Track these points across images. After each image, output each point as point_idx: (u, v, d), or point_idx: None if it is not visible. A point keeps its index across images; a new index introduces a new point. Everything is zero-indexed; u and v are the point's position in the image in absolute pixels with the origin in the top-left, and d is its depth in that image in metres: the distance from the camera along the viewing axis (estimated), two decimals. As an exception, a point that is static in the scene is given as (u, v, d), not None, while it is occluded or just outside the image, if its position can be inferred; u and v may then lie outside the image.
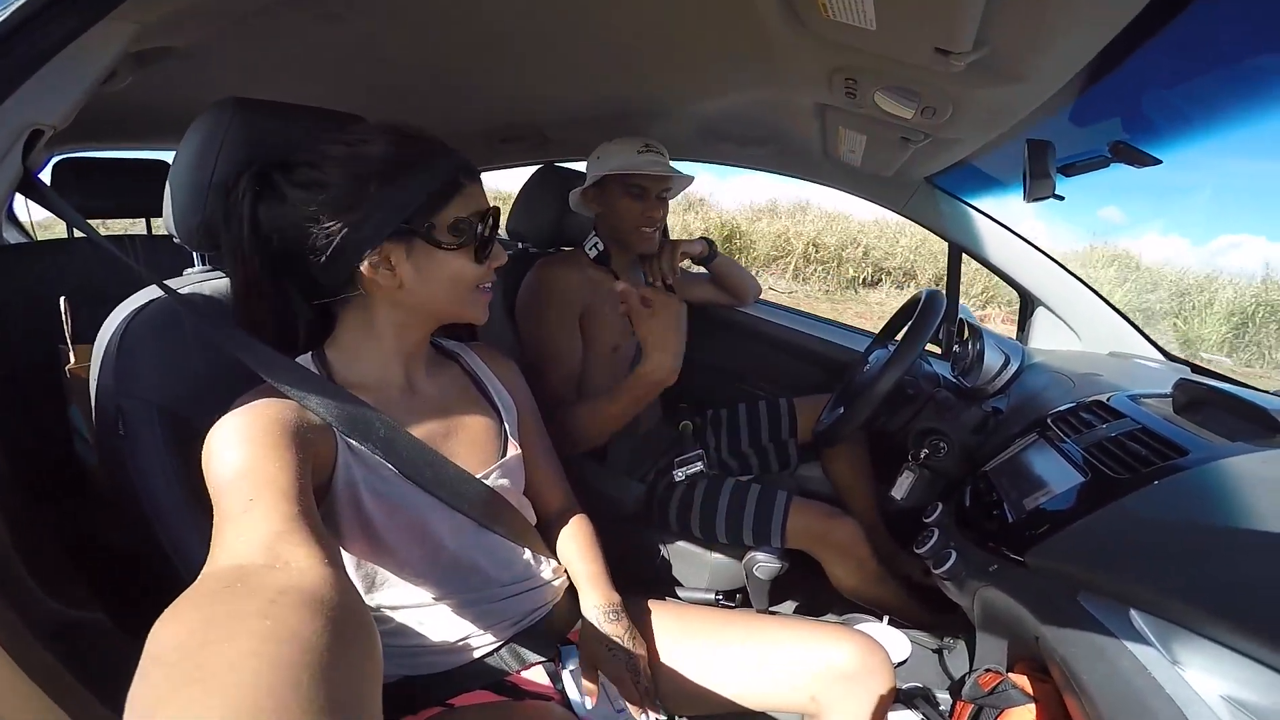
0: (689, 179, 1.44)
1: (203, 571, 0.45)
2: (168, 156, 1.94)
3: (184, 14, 0.70)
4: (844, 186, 1.73)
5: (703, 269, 1.77)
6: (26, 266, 1.48)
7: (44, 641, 0.57)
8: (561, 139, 1.81)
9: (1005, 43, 0.72)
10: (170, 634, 0.37)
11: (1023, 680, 0.83)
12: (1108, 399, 1.02)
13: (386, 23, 1.03)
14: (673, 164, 1.41)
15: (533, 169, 1.69)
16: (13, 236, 2.51)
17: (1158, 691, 0.62)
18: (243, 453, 0.57)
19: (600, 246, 1.44)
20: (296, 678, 0.34)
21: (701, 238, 1.66)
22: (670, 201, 1.50)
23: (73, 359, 1.08)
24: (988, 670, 0.86)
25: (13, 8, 0.56)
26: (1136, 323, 1.53)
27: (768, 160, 1.79)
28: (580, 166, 1.57)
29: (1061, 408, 1.09)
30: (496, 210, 0.79)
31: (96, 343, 0.75)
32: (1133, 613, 0.68)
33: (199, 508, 0.70)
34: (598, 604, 0.87)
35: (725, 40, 1.04)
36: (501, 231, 1.02)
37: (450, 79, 1.34)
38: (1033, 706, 0.80)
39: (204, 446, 0.60)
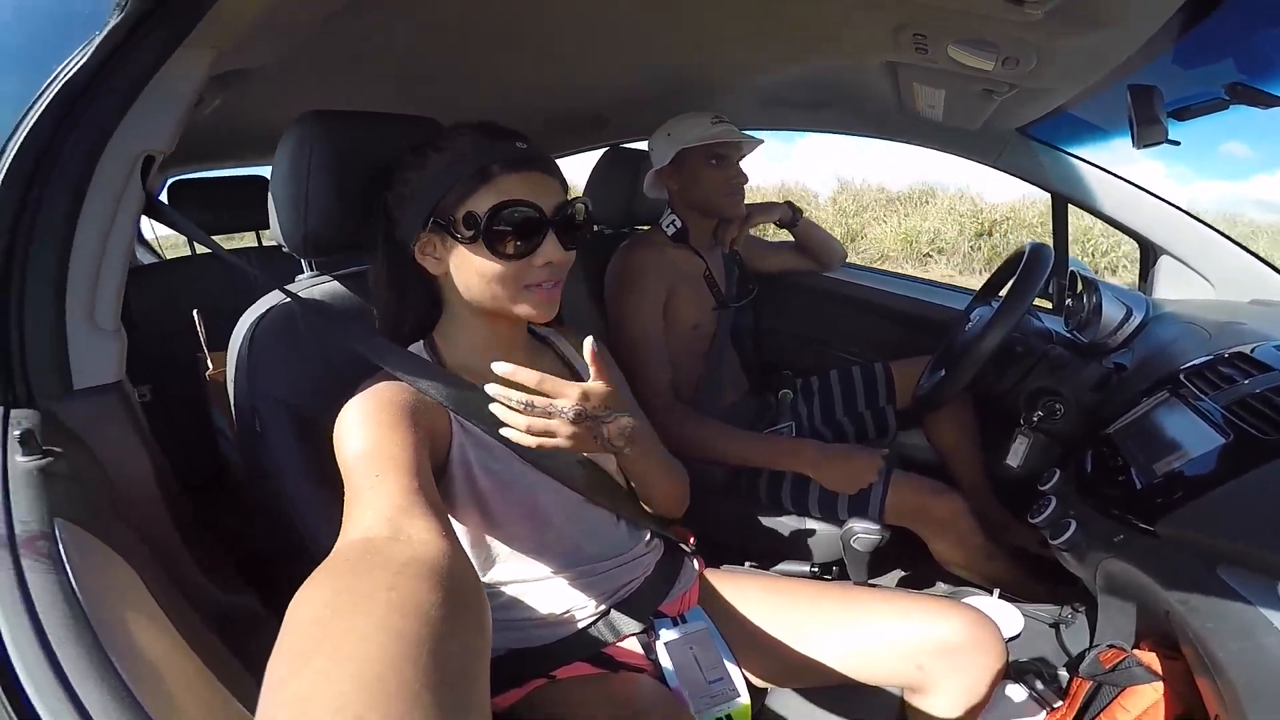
0: (759, 142, 1.44)
1: (336, 544, 0.50)
2: (265, 171, 2.12)
3: (252, 37, 0.74)
4: (927, 143, 1.64)
5: (787, 235, 1.73)
6: (160, 283, 1.66)
7: (210, 626, 0.64)
8: (622, 121, 1.81)
9: None
10: (305, 606, 0.41)
11: (1149, 658, 0.77)
12: (1251, 350, 0.93)
13: (437, 31, 1.07)
14: None
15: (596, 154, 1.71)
16: (144, 257, 2.79)
17: None
18: (367, 433, 0.63)
19: (678, 224, 1.44)
20: (416, 652, 0.36)
21: (786, 202, 1.63)
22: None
23: (210, 365, 1.20)
24: (1110, 646, 0.81)
25: (94, 45, 0.61)
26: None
27: (839, 122, 1.73)
28: (640, 146, 1.58)
29: (1196, 362, 0.99)
30: (527, 204, 0.71)
31: (229, 349, 0.83)
32: None
33: (330, 494, 0.75)
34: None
35: (781, 6, 1.01)
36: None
37: (506, 77, 1.37)
38: (1160, 685, 0.75)
39: (334, 430, 0.66)
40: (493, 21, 1.08)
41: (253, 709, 0.35)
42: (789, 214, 1.62)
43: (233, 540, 1.01)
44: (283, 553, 0.80)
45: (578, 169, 1.82)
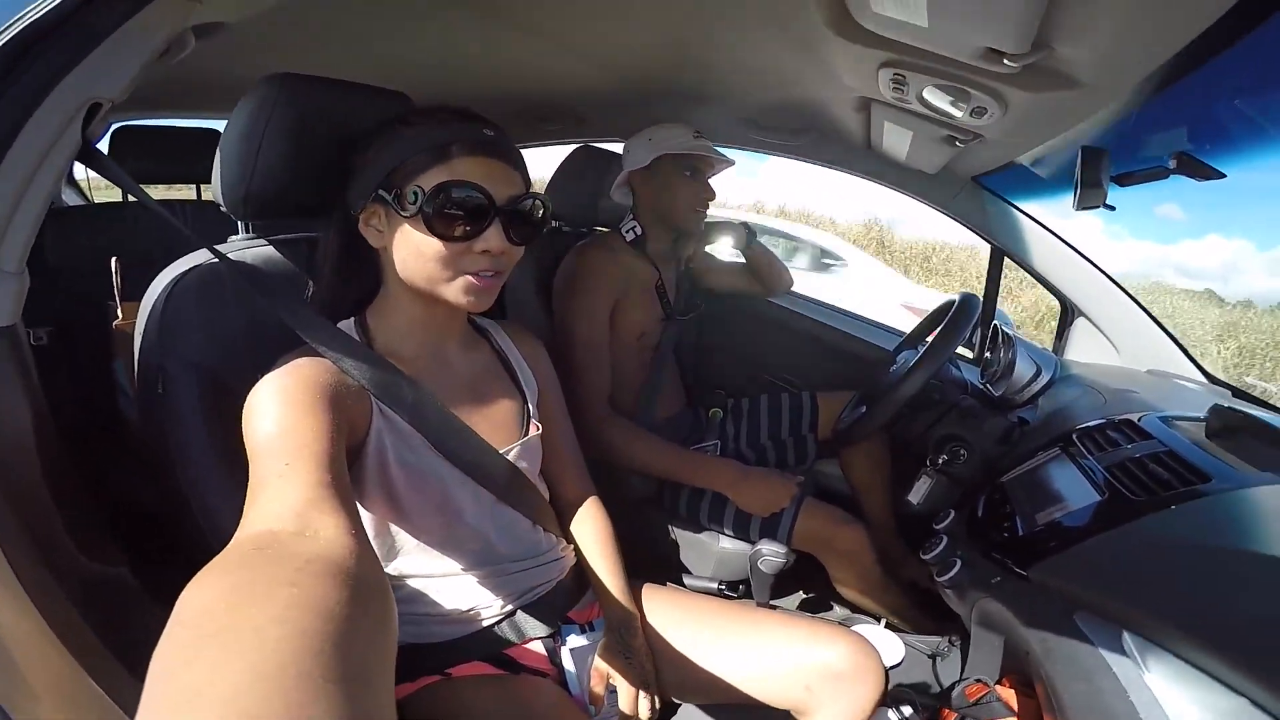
0: (730, 162, 1.47)
1: (236, 534, 0.47)
2: (220, 126, 2.03)
3: None
4: (886, 182, 1.70)
5: (738, 256, 1.76)
6: (83, 228, 1.57)
7: (72, 600, 0.59)
8: (599, 119, 1.81)
9: (1067, 48, 0.69)
10: (199, 597, 0.38)
11: (1009, 694, 0.82)
12: (1139, 419, 0.99)
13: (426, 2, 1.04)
14: None
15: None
16: (71, 199, 2.64)
17: (1132, 716, 0.61)
18: (281, 414, 0.60)
19: (638, 230, 1.45)
20: (319, 646, 0.35)
21: (741, 222, 1.66)
22: None
23: (120, 315, 1.14)
24: (976, 680, 0.86)
25: None
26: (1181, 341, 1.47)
27: (806, 150, 1.77)
28: (614, 148, 1.58)
29: (1089, 424, 1.06)
30: (475, 187, 0.70)
31: (143, 302, 0.78)
32: (1125, 635, 0.67)
33: (230, 471, 0.73)
34: (622, 620, 0.90)
35: (772, 31, 1.03)
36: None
37: (490, 57, 1.36)
38: (1013, 720, 0.80)
39: (245, 406, 0.62)
40: (478, 6, 1.06)
41: (109, 688, 0.33)
42: (744, 235, 1.66)
43: (114, 502, 0.96)
44: (169, 523, 0.76)
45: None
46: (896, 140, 1.34)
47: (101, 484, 0.99)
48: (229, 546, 0.45)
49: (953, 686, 0.87)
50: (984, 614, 0.93)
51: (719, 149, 1.44)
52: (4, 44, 0.58)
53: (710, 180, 1.47)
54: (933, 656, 1.24)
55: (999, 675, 0.89)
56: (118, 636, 0.57)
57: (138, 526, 0.87)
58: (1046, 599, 0.80)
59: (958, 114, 0.98)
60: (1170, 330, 1.50)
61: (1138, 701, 0.62)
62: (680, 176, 1.41)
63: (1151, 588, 0.70)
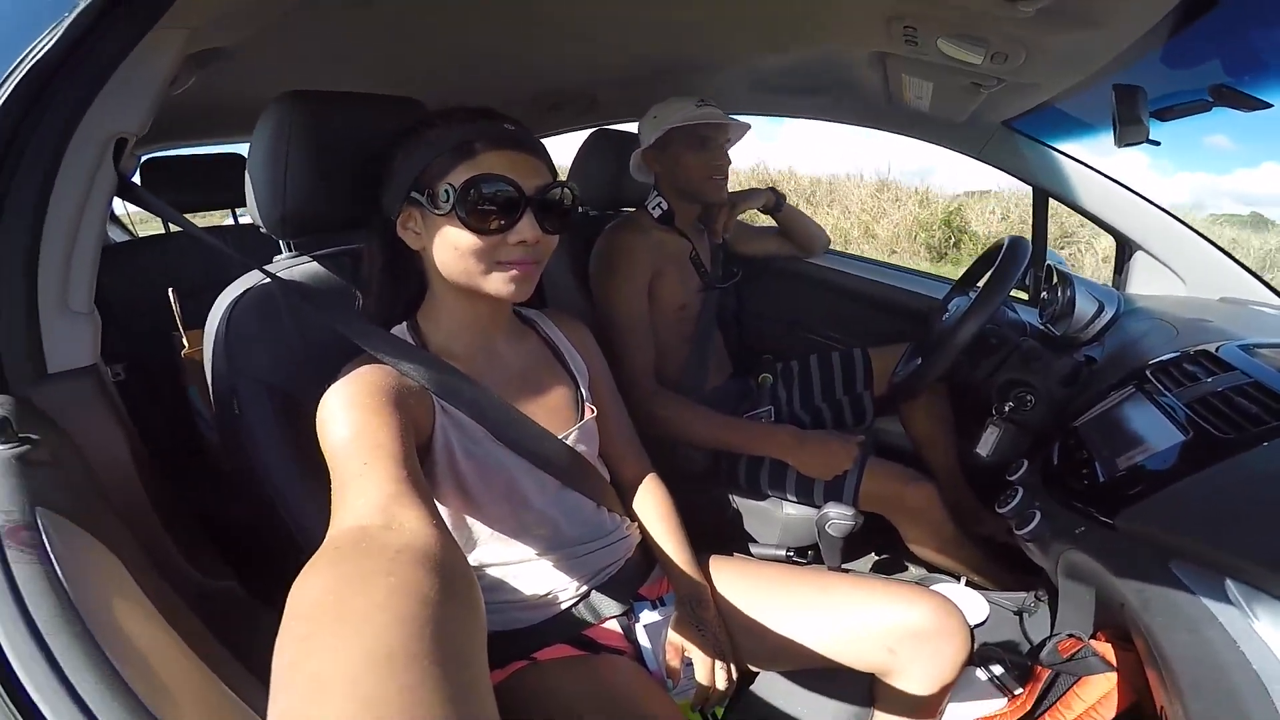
0: (746, 126, 1.44)
1: (329, 533, 0.50)
2: (239, 148, 2.06)
3: (227, 16, 0.73)
4: (913, 133, 1.65)
5: (770, 220, 1.73)
6: (134, 262, 1.62)
7: (194, 611, 0.64)
8: (611, 101, 1.79)
9: None
10: (308, 592, 0.41)
11: (1105, 648, 0.80)
12: (1216, 349, 0.95)
13: (421, 4, 1.04)
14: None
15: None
16: (116, 235, 2.73)
17: (1244, 667, 0.59)
18: (352, 419, 0.62)
19: (664, 205, 1.44)
20: (420, 630, 0.37)
21: (769, 188, 1.63)
22: None
23: (186, 344, 1.18)
24: (1069, 636, 0.84)
25: (64, 26, 0.59)
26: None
27: (826, 110, 1.73)
28: (630, 128, 1.56)
29: (1163, 358, 1.02)
30: (504, 179, 0.72)
31: (206, 328, 0.81)
32: (1229, 582, 0.65)
33: (310, 476, 0.76)
34: (692, 593, 0.91)
35: None
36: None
37: (493, 52, 1.34)
38: (1113, 676, 0.77)
39: (317, 416, 0.65)
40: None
41: (239, 691, 0.35)
42: (773, 200, 1.63)
43: (210, 520, 1.01)
44: (263, 533, 0.80)
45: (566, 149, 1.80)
46: (918, 92, 1.30)
47: (195, 503, 1.04)
48: (325, 543, 0.47)
49: (1043, 643, 0.85)
50: (1071, 566, 0.91)
51: (737, 116, 1.41)
52: (16, 87, 0.59)
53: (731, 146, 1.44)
54: (1019, 613, 1.22)
55: (1093, 629, 0.87)
56: (238, 644, 0.60)
57: (233, 540, 0.91)
58: (1138, 548, 0.78)
59: (977, 61, 0.94)
60: (1236, 256, 1.42)
61: (1249, 652, 0.60)
62: (690, 148, 1.39)
63: (1254, 531, 0.67)
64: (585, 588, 0.88)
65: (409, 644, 0.36)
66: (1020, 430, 1.20)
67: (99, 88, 0.63)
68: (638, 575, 0.94)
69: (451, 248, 0.74)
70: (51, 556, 0.48)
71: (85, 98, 0.63)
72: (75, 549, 0.52)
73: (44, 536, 0.49)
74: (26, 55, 0.59)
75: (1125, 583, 0.77)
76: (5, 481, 0.53)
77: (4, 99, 0.59)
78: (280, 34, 0.93)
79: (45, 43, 0.59)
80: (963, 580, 1.33)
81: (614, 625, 0.89)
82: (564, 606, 0.87)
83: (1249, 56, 0.93)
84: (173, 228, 1.89)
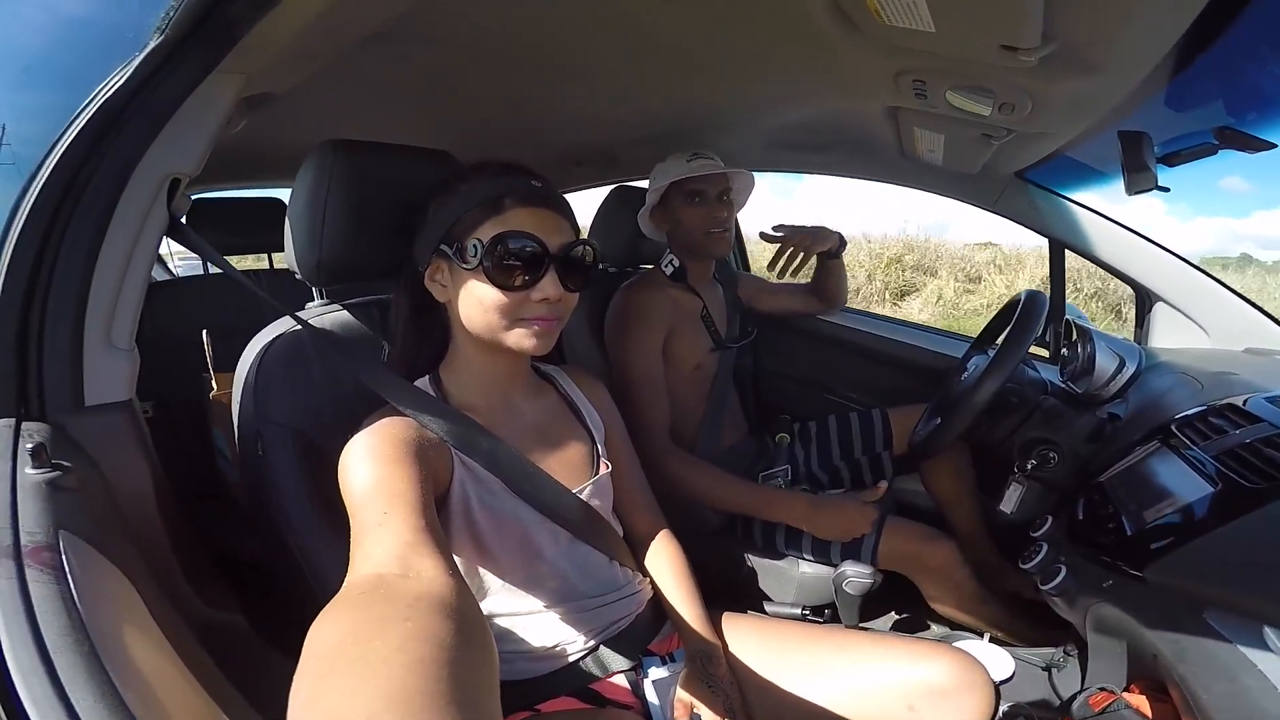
0: (750, 177, 1.46)
1: (348, 579, 0.52)
2: (279, 193, 2.14)
3: (281, 63, 0.77)
4: (927, 186, 1.67)
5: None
6: (173, 300, 1.69)
7: (199, 641, 0.64)
8: (630, 158, 1.86)
9: (1076, 34, 0.69)
10: (327, 633, 0.43)
11: (1140, 700, 0.77)
12: (1243, 402, 0.93)
13: (455, 59, 1.10)
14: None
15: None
16: (157, 273, 2.84)
17: None
18: (373, 468, 0.64)
19: (676, 263, 1.46)
20: (436, 672, 0.38)
21: (836, 231, 1.61)
22: None
23: (215, 387, 1.22)
24: (1100, 689, 0.80)
25: (132, 66, 0.63)
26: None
27: (839, 165, 1.76)
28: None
29: (1188, 412, 1.00)
30: (530, 236, 0.74)
31: (237, 372, 0.84)
32: (1267, 630, 0.62)
33: (327, 522, 0.78)
34: (702, 649, 0.88)
35: (784, 52, 1.04)
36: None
37: (521, 107, 1.42)
38: (1148, 727, 0.73)
39: (340, 464, 0.67)
40: (504, 60, 1.11)
41: None
42: (838, 244, 1.62)
43: (223, 557, 1.01)
44: (276, 574, 0.80)
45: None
46: (930, 144, 1.33)
47: (210, 539, 1.05)
48: (344, 589, 0.49)
49: (1073, 698, 0.81)
50: (1100, 620, 0.87)
51: (755, 173, 1.44)
52: (84, 126, 0.64)
53: (744, 200, 1.48)
54: (1048, 668, 1.17)
55: (1126, 682, 0.83)
56: (241, 676, 0.60)
57: (243, 578, 0.92)
58: (1169, 599, 0.75)
59: (985, 112, 0.97)
60: (1260, 305, 1.40)
61: None
62: (686, 203, 1.41)
63: None
64: (594, 641, 0.87)
65: (425, 686, 0.37)
66: (1044, 487, 1.17)
67: (160, 128, 0.67)
68: (648, 631, 0.92)
69: (476, 302, 0.76)
70: (69, 578, 0.49)
71: (146, 138, 0.67)
72: (93, 573, 0.53)
73: (64, 559, 0.51)
74: (99, 92, 0.64)
75: (1158, 634, 0.74)
76: (34, 504, 0.55)
77: (76, 132, 0.64)
78: (323, 82, 0.98)
79: (116, 81, 0.63)
80: (986, 637, 1.26)
81: (621, 680, 0.87)
82: (572, 659, 0.85)
83: (1250, 96, 0.94)
84: (211, 269, 1.97)
